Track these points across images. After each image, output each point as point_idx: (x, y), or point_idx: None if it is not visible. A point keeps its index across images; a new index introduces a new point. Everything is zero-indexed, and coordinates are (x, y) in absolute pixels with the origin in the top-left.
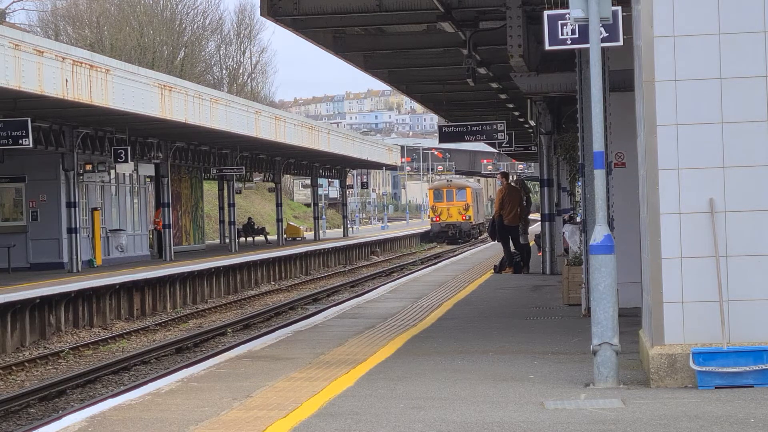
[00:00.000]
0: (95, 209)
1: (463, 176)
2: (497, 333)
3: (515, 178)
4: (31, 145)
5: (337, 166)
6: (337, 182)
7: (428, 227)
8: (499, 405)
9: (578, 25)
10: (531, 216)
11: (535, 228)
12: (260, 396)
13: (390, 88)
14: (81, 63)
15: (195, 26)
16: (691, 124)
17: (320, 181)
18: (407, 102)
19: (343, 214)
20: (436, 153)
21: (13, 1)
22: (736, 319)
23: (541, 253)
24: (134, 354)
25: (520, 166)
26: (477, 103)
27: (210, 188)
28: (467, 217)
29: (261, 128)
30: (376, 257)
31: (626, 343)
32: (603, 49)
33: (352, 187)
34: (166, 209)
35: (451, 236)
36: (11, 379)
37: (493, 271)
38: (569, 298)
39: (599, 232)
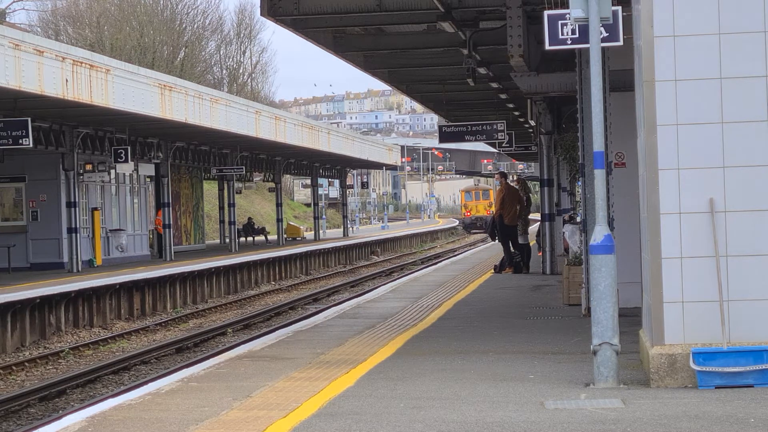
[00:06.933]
0: (95, 209)
1: (482, 179)
2: (497, 333)
3: (515, 177)
4: (31, 145)
5: (337, 166)
6: (337, 182)
7: (430, 227)
8: (499, 405)
9: (578, 25)
10: (531, 216)
11: (535, 228)
12: (260, 396)
13: (390, 88)
14: (81, 63)
15: (195, 26)
16: (691, 124)
17: (320, 181)
18: (407, 102)
19: (343, 214)
20: (436, 153)
21: (13, 1)
22: (736, 319)
23: (541, 253)
24: (134, 354)
25: (520, 166)
26: (477, 103)
27: (210, 188)
28: (491, 212)
29: (261, 128)
30: (376, 257)
31: (626, 343)
32: (603, 49)
33: (352, 187)
34: (166, 209)
35: (479, 227)
36: (11, 379)
37: (493, 271)
38: (569, 298)
39: (599, 232)
